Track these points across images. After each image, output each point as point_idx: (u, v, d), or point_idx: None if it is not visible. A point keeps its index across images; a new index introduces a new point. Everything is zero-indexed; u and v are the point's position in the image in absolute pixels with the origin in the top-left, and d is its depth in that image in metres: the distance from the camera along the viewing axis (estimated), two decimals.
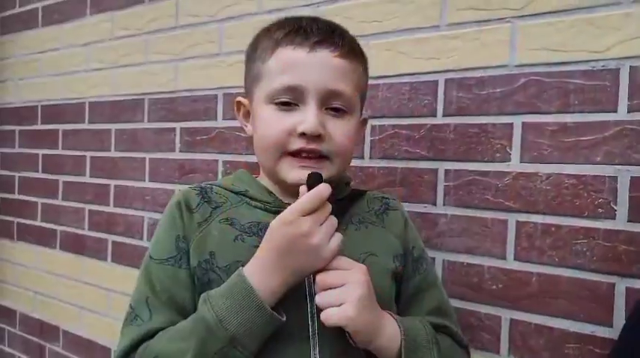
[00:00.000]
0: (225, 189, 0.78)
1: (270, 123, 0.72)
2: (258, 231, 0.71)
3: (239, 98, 0.82)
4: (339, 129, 0.72)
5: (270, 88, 0.71)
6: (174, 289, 0.71)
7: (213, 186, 0.79)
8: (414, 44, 1.03)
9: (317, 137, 0.70)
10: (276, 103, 0.71)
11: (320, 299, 0.65)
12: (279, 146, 0.71)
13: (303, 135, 0.69)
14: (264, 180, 0.80)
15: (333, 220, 0.67)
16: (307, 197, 0.64)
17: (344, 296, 0.64)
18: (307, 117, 0.69)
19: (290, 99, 0.71)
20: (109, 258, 1.62)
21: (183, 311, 0.71)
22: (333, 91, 0.71)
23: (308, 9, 1.18)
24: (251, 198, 0.77)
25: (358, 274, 0.66)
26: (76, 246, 1.73)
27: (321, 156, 0.71)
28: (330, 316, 0.64)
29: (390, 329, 0.68)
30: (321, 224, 0.65)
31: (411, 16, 1.04)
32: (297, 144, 0.70)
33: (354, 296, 0.64)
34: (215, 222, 0.74)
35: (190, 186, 0.79)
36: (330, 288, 0.65)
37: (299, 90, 0.70)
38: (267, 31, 0.76)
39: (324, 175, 0.69)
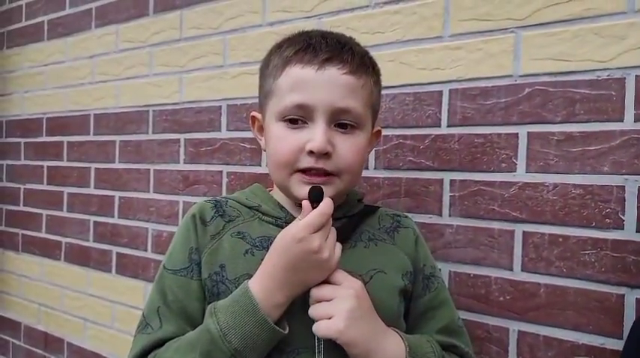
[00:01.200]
0: (239, 203, 0.80)
1: (280, 141, 0.73)
2: (269, 245, 0.71)
3: (253, 113, 0.83)
4: (347, 146, 0.72)
5: (281, 105, 0.72)
6: (186, 300, 0.73)
7: (229, 200, 0.81)
8: (418, 55, 1.03)
9: (325, 155, 0.70)
10: (286, 121, 0.72)
11: (312, 311, 0.67)
12: (289, 163, 0.72)
13: (311, 153, 0.70)
14: (277, 194, 0.81)
15: (334, 232, 0.69)
16: (316, 214, 0.66)
17: (333, 309, 0.65)
18: (315, 136, 0.69)
19: (299, 117, 0.71)
20: (114, 270, 1.62)
21: (193, 322, 0.72)
22: (341, 109, 0.71)
23: (310, 21, 1.18)
24: (263, 213, 0.78)
25: (349, 288, 0.67)
26: (80, 257, 1.73)
27: (329, 173, 0.72)
28: (320, 328, 0.65)
29: (392, 346, 0.68)
30: (327, 238, 0.67)
31: (413, 27, 1.04)
32: (306, 162, 0.71)
33: (344, 309, 0.65)
34: (227, 235, 0.76)
35: (207, 199, 0.81)
36: (323, 301, 0.67)
37: (308, 108, 0.71)
38: (278, 48, 0.77)
39: (332, 192, 0.71)
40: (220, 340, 0.63)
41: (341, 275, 0.69)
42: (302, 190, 0.71)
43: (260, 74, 0.80)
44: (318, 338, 0.68)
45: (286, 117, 0.72)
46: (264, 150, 0.80)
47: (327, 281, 0.68)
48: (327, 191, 0.70)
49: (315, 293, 0.67)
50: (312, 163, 0.70)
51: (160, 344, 0.71)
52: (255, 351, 0.64)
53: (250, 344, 0.64)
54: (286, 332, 0.66)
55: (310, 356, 0.69)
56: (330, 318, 0.65)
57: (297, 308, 0.68)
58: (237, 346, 0.63)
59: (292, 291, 0.66)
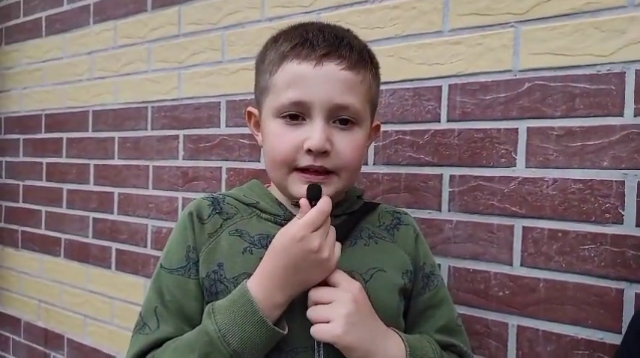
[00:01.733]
0: (237, 200, 0.79)
1: (277, 138, 0.71)
2: (267, 243, 0.70)
3: (250, 108, 0.82)
4: (345, 143, 0.71)
5: (277, 102, 0.71)
6: (183, 299, 0.72)
7: (226, 197, 0.79)
8: (417, 50, 1.03)
9: (323, 153, 0.69)
10: (283, 117, 0.71)
11: (310, 313, 0.66)
12: (287, 162, 0.71)
13: (309, 151, 0.69)
14: (275, 190, 0.79)
15: (333, 231, 0.68)
16: (315, 213, 0.65)
17: (331, 314, 0.65)
18: (313, 134, 0.68)
19: (297, 113, 0.70)
20: (113, 266, 1.62)
21: (191, 321, 0.71)
22: (339, 105, 0.70)
23: (309, 16, 1.18)
24: (261, 210, 0.77)
25: (347, 292, 0.66)
26: (80, 254, 1.73)
27: (327, 171, 0.71)
28: (318, 332, 0.65)
29: (392, 348, 0.68)
30: (326, 236, 0.66)
31: (413, 22, 1.04)
32: (305, 161, 0.69)
33: (341, 313, 0.64)
34: (225, 233, 0.74)
35: (204, 196, 0.80)
36: (321, 303, 0.66)
37: (305, 105, 0.69)
38: (274, 42, 0.75)
39: (331, 190, 0.70)
40: (219, 341, 0.63)
41: (340, 276, 0.68)
42: (300, 189, 0.70)
43: (256, 69, 0.79)
44: (317, 340, 0.68)
45: (283, 114, 0.71)
46: (261, 146, 0.79)
47: (325, 282, 0.67)
48: (326, 190, 0.69)
49: (314, 295, 0.67)
50: (310, 162, 0.69)
51: (157, 344, 0.70)
52: (254, 352, 0.64)
53: (249, 345, 0.63)
54: (285, 332, 0.65)
55: (309, 355, 0.68)
56: (328, 322, 0.64)
57: (297, 307, 0.67)
58: (236, 347, 0.63)
59: (292, 291, 0.66)
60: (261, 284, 0.65)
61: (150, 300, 0.74)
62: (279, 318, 0.66)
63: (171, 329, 0.71)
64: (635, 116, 0.82)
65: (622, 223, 0.83)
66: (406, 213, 0.86)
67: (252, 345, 0.63)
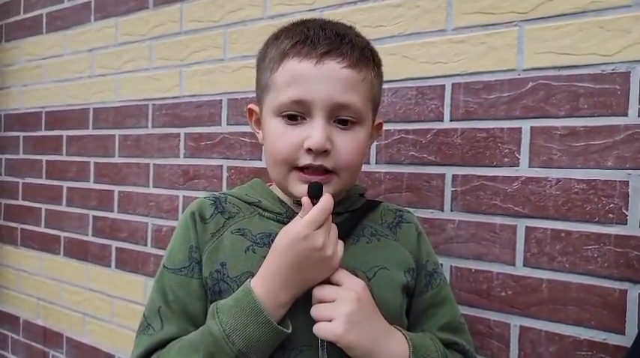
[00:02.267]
0: (239, 199, 0.78)
1: (277, 137, 0.71)
2: (270, 241, 0.70)
3: (251, 105, 0.81)
4: (346, 142, 0.70)
5: (278, 101, 0.70)
6: (187, 299, 0.72)
7: (228, 196, 0.79)
8: (420, 48, 1.03)
9: (323, 152, 0.68)
10: (284, 116, 0.70)
11: (314, 312, 0.66)
12: (288, 161, 0.70)
13: (309, 150, 0.68)
14: (277, 189, 0.79)
15: (335, 228, 0.68)
16: (318, 211, 0.65)
17: (333, 312, 0.65)
18: (314, 133, 0.68)
19: (297, 113, 0.69)
20: (113, 265, 1.61)
21: (195, 321, 0.71)
22: (340, 104, 0.69)
23: (312, 14, 1.17)
24: (263, 208, 0.77)
25: (350, 290, 0.66)
26: (79, 252, 1.73)
27: (327, 171, 0.70)
28: (319, 330, 0.65)
29: (395, 346, 0.68)
30: (329, 234, 0.66)
31: (416, 21, 1.03)
32: (305, 160, 0.69)
33: (343, 312, 0.64)
34: (227, 233, 0.74)
35: (206, 195, 0.79)
36: (325, 301, 0.66)
37: (306, 104, 0.68)
38: (275, 39, 0.74)
39: (331, 189, 0.70)
40: (224, 341, 0.63)
41: (343, 275, 0.68)
42: (300, 189, 0.70)
43: (257, 66, 0.78)
44: (321, 338, 0.68)
45: (284, 113, 0.70)
46: (262, 144, 0.79)
47: (329, 280, 0.67)
48: (326, 189, 0.69)
49: (317, 293, 0.67)
50: (310, 161, 0.69)
51: (162, 345, 0.70)
52: (259, 351, 0.64)
53: (254, 344, 0.63)
54: (289, 331, 0.65)
55: (313, 353, 0.68)
56: (330, 320, 0.64)
57: (300, 306, 0.67)
58: (241, 347, 0.63)
59: (296, 290, 0.66)
60: (265, 284, 0.65)
61: (153, 301, 0.74)
62: (283, 317, 0.66)
63: (176, 329, 0.71)
64: (639, 116, 0.82)
65: (626, 223, 0.82)
66: (408, 211, 0.86)
67: (257, 345, 0.63)
